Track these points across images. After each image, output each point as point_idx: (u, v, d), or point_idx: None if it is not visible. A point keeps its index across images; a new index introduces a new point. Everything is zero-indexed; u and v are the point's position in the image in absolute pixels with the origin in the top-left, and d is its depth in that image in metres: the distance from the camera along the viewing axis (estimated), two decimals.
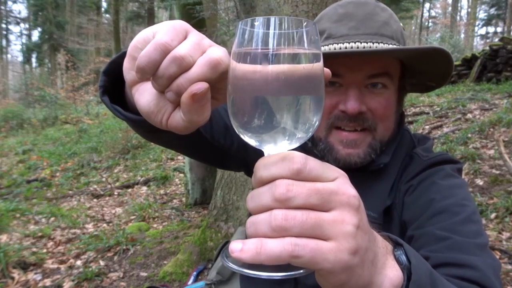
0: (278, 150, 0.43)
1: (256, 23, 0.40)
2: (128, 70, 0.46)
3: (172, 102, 0.44)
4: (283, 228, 0.37)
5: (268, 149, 0.44)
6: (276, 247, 0.37)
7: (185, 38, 0.43)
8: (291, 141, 0.43)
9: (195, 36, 0.44)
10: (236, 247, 0.38)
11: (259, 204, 0.39)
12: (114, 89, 0.59)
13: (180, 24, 0.44)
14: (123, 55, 0.48)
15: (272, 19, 0.39)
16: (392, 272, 0.45)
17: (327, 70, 0.47)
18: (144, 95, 0.46)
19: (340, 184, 0.40)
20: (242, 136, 0.44)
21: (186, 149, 0.97)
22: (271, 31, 0.39)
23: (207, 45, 0.44)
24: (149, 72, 0.42)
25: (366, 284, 0.42)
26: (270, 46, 0.39)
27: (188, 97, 0.41)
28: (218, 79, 0.42)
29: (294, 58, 0.40)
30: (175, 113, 0.45)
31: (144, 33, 0.45)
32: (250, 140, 0.44)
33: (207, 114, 0.44)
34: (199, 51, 0.42)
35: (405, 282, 0.45)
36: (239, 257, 0.38)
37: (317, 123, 0.43)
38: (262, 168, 0.40)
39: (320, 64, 0.42)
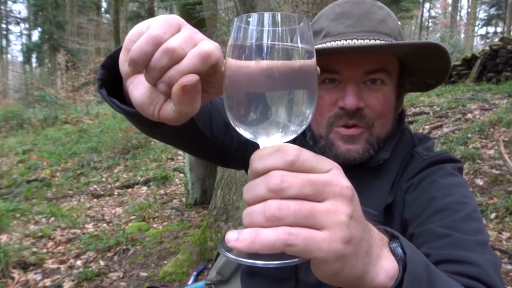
0: (273, 143, 0.44)
1: (250, 19, 0.41)
2: (123, 63, 0.47)
3: (163, 93, 0.45)
4: (277, 217, 0.38)
5: (263, 141, 0.45)
6: (271, 236, 0.38)
7: (178, 31, 0.44)
8: (285, 133, 0.44)
9: (188, 30, 0.45)
10: (232, 236, 0.39)
11: (254, 195, 0.40)
12: (113, 83, 0.60)
13: (174, 18, 0.45)
14: (120, 49, 0.49)
15: (266, 15, 0.41)
16: (387, 263, 0.46)
17: (317, 68, 0.48)
18: (138, 87, 0.47)
19: (334, 175, 0.41)
20: (237, 129, 0.46)
21: (186, 145, 0.97)
22: (265, 27, 0.40)
23: (199, 39, 0.44)
24: (141, 64, 0.43)
25: (361, 274, 0.42)
26: (264, 41, 0.40)
27: (179, 88, 0.42)
28: (209, 72, 0.43)
29: (288, 53, 0.41)
30: (166, 104, 0.46)
31: (139, 27, 0.46)
32: (245, 132, 0.45)
33: (197, 106, 0.45)
34: (191, 44, 0.43)
35: (400, 273, 0.46)
36: (235, 246, 0.39)
37: (310, 116, 0.44)
38: (257, 160, 0.41)
39: (313, 59, 0.43)
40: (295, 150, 0.40)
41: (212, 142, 0.94)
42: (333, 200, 0.39)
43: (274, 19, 0.40)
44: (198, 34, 0.45)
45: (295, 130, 0.44)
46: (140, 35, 0.44)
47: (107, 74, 0.58)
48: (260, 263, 0.41)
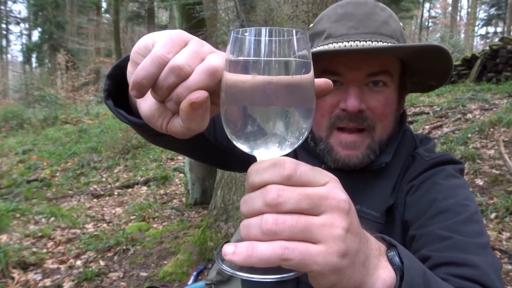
0: (270, 156, 0.44)
1: (247, 34, 0.41)
2: (131, 75, 0.46)
3: (172, 111, 0.44)
4: (273, 232, 0.38)
5: (260, 155, 0.45)
6: (267, 250, 0.38)
7: (183, 47, 0.44)
8: (282, 147, 0.44)
9: (194, 45, 0.44)
10: (229, 250, 0.39)
11: (251, 208, 0.40)
12: (118, 92, 0.59)
13: (178, 35, 0.44)
14: (127, 59, 0.49)
15: (263, 29, 0.40)
16: (384, 273, 0.46)
17: (328, 81, 0.48)
18: (146, 100, 0.46)
19: (331, 189, 0.41)
20: (234, 142, 0.45)
21: (190, 151, 0.98)
22: (262, 41, 0.40)
23: (207, 52, 0.44)
24: (147, 86, 0.42)
25: (358, 285, 0.43)
26: (260, 56, 0.40)
27: (187, 105, 0.41)
28: (218, 86, 0.43)
29: (284, 68, 0.40)
30: (174, 119, 0.45)
31: (145, 40, 0.45)
32: (242, 146, 0.45)
33: (205, 122, 0.44)
34: (198, 59, 0.43)
35: (397, 282, 0.46)
36: (231, 259, 0.39)
37: (307, 129, 0.44)
38: (254, 174, 0.42)
39: (310, 73, 0.42)
40: (292, 164, 0.40)
41: (216, 147, 0.93)
42: (329, 213, 0.40)
43: (271, 33, 0.40)
44: (205, 47, 0.44)
45: (292, 144, 0.44)
46: (146, 49, 0.44)
47: (113, 83, 0.58)
48: (256, 277, 0.41)
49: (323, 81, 0.47)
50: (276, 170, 0.40)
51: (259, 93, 0.40)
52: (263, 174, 0.40)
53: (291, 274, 0.41)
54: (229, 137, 0.45)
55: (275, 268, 0.40)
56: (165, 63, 0.41)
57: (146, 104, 0.46)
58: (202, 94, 0.41)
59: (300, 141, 0.44)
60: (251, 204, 0.40)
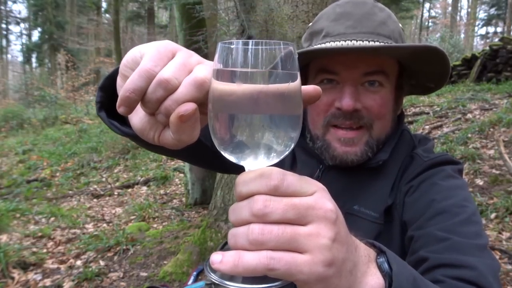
0: (258, 166, 0.44)
1: (233, 45, 0.41)
2: (120, 87, 0.47)
3: (162, 123, 0.45)
4: (260, 242, 0.39)
5: (248, 164, 0.45)
6: (253, 259, 0.38)
7: (171, 59, 0.44)
8: (269, 157, 0.44)
9: (181, 57, 0.44)
10: (217, 258, 0.40)
11: (239, 218, 0.41)
12: (111, 103, 0.59)
13: (165, 46, 0.45)
14: (118, 70, 0.49)
15: (250, 41, 0.41)
16: (373, 279, 0.46)
17: (317, 88, 0.48)
18: (137, 112, 0.47)
19: (318, 199, 0.41)
20: (222, 153, 0.45)
21: (189, 158, 0.99)
22: (249, 51, 0.40)
23: (194, 64, 0.44)
24: (136, 99, 0.43)
25: None
26: (247, 66, 0.40)
27: (176, 118, 0.41)
28: (206, 97, 0.43)
29: (271, 77, 0.41)
30: (165, 131, 0.46)
31: (133, 53, 0.46)
32: (230, 156, 0.45)
33: (196, 133, 0.45)
34: (185, 71, 0.43)
35: None
36: (218, 268, 0.40)
37: (295, 139, 0.44)
38: (241, 184, 0.42)
39: (296, 84, 0.43)
40: (278, 175, 0.40)
41: (213, 152, 0.94)
42: (316, 223, 0.40)
43: (258, 44, 0.40)
44: (193, 58, 0.45)
45: (280, 153, 0.44)
46: (134, 62, 0.44)
47: (106, 95, 0.58)
48: (241, 286, 0.41)
49: (312, 88, 0.48)
50: (263, 180, 0.40)
51: (246, 102, 0.40)
52: (250, 185, 0.41)
53: (277, 283, 0.41)
54: (217, 147, 0.45)
55: (262, 277, 0.40)
56: (152, 77, 0.42)
57: (137, 117, 0.47)
58: (190, 107, 0.41)
59: (288, 151, 0.44)
60: (239, 213, 0.41)
